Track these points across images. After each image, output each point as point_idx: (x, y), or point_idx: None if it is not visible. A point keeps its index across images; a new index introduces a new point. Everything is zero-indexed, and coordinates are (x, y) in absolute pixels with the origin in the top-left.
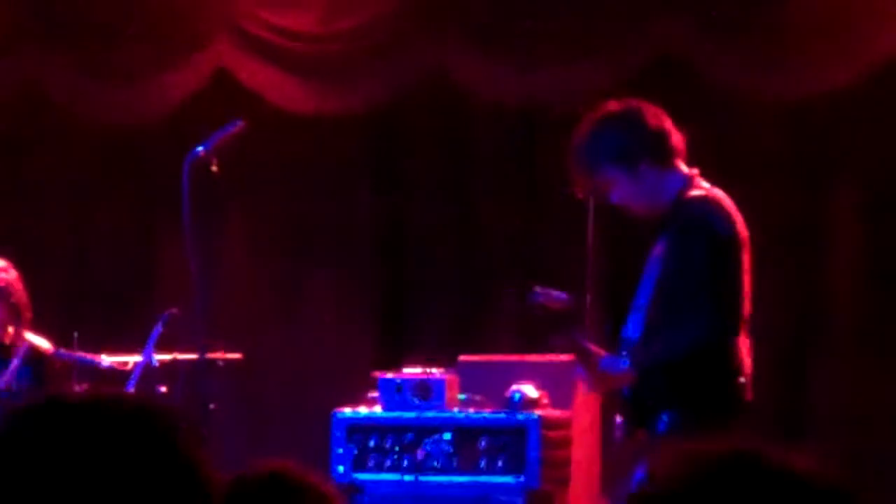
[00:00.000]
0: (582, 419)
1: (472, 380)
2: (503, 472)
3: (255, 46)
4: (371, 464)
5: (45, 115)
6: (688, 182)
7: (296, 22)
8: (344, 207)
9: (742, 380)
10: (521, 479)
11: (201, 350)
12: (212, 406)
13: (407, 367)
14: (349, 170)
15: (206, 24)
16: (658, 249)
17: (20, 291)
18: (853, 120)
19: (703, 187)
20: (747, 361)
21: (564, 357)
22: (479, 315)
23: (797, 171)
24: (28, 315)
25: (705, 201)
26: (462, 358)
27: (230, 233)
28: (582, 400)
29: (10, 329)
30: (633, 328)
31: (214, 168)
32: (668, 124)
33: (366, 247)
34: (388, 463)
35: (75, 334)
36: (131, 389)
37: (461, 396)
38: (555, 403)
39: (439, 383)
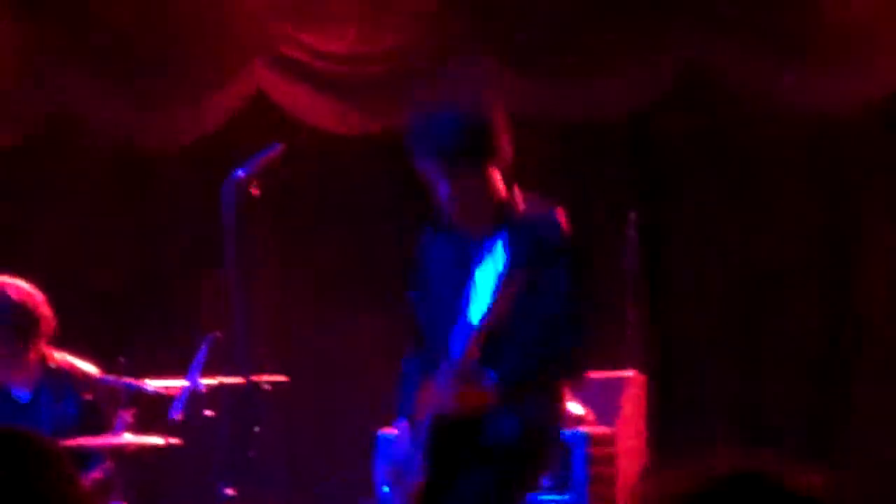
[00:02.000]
0: (626, 436)
1: None
2: (549, 489)
3: (291, 69)
4: None
5: (80, 141)
6: (512, 189)
7: (332, 44)
8: (384, 226)
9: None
10: (567, 497)
11: (246, 373)
12: (256, 429)
13: None
14: (388, 189)
15: (243, 48)
16: (490, 258)
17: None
18: (887, 129)
19: (531, 196)
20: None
21: (610, 374)
22: None
23: (830, 182)
24: (45, 329)
25: (557, 216)
26: None
27: (270, 255)
28: (626, 417)
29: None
30: (458, 345)
31: (255, 191)
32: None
33: (406, 267)
34: None
35: (121, 360)
36: (177, 415)
37: None
38: (600, 420)
39: None
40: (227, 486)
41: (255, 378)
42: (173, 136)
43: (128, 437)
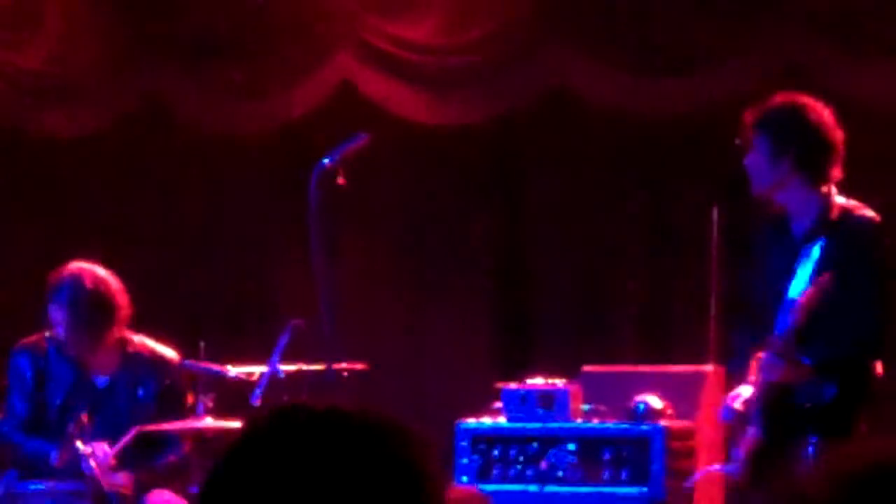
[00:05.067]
0: (706, 430)
1: (596, 390)
2: (627, 483)
3: (377, 59)
4: (495, 474)
5: (166, 129)
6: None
7: (418, 34)
8: (465, 217)
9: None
10: (645, 490)
11: (327, 361)
12: None
13: (530, 377)
14: (471, 181)
15: (330, 38)
16: (814, 253)
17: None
18: None
19: (852, 202)
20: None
21: (687, 368)
22: (602, 325)
23: None
24: (121, 317)
25: (871, 224)
26: (586, 368)
27: (352, 244)
28: (706, 411)
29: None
30: (781, 327)
31: (341, 180)
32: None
33: (487, 257)
34: (512, 473)
35: (202, 344)
36: (257, 400)
37: (585, 407)
38: (679, 414)
39: (563, 394)
40: None
41: (335, 365)
42: (260, 125)
43: (208, 422)
